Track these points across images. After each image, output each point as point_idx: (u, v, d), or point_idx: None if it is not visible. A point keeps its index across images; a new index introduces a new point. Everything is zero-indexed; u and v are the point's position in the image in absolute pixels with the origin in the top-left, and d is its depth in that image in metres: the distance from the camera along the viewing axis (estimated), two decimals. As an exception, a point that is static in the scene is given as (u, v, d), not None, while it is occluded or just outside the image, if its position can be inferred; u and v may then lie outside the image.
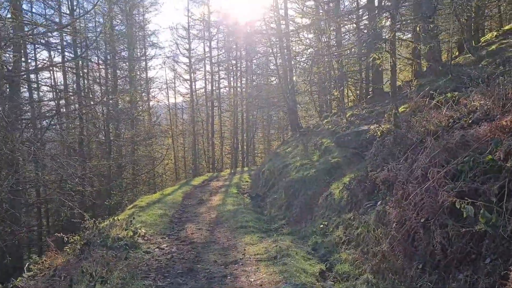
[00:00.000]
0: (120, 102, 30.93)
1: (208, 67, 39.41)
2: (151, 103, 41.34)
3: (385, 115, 10.63)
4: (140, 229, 9.26)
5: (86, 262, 6.08)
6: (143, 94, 37.88)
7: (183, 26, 38.03)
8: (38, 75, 23.17)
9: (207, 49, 38.60)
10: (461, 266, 4.31)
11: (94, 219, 9.69)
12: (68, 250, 8.52)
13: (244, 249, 7.30)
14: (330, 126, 16.12)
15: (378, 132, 10.23)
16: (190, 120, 40.72)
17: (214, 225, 10.13)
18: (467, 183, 4.59)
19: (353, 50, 22.71)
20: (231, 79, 42.03)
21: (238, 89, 41.32)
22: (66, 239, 8.70)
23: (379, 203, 6.54)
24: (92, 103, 19.81)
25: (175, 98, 44.03)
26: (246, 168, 35.52)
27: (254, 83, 38.41)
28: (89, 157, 27.54)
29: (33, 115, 21.33)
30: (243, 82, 42.18)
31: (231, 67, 40.61)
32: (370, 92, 22.42)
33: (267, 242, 7.59)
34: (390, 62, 9.28)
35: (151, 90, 41.61)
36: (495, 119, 5.42)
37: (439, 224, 4.66)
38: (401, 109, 10.36)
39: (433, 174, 5.05)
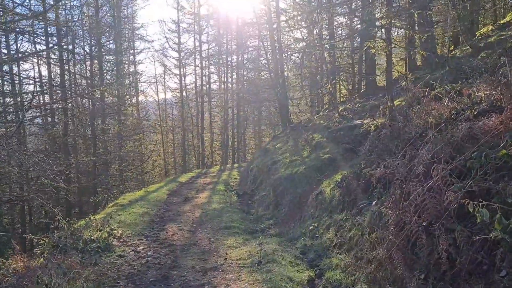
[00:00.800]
0: (107, 96, 30.15)
1: (198, 62, 38.59)
2: (139, 98, 40.54)
3: (380, 109, 10.06)
4: (116, 229, 8.58)
5: (46, 269, 5.39)
6: (131, 88, 37.07)
7: (173, 20, 37.27)
8: (20, 68, 22.24)
9: (197, 43, 37.77)
10: (471, 279, 3.71)
11: (68, 218, 8.98)
12: (37, 253, 7.84)
13: (226, 253, 6.65)
14: (322, 121, 15.53)
15: (372, 127, 9.67)
16: (180, 116, 39.93)
17: (197, 225, 9.47)
18: (477, 182, 3.98)
19: (345, 44, 22.17)
20: (222, 74, 41.29)
21: (229, 84, 40.59)
22: (36, 240, 8.02)
23: (374, 203, 5.93)
24: (74, 95, 18.85)
25: (164, 93, 43.21)
26: (236, 165, 34.86)
27: (245, 78, 37.63)
28: (75, 152, 26.80)
29: (16, 108, 20.53)
30: (233, 77, 41.49)
31: (221, 62, 39.84)
32: (363, 87, 21.90)
33: (252, 245, 6.95)
34: (386, 51, 8.67)
35: (139, 85, 40.82)
36: (505, 110, 4.82)
37: (444, 229, 4.06)
38: (396, 102, 9.78)
39: (437, 171, 4.45)
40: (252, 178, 15.11)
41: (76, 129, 27.33)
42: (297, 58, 28.27)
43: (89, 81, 26.46)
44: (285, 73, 24.60)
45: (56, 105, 18.88)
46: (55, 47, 20.36)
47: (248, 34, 33.41)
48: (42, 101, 21.51)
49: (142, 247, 7.61)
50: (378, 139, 7.37)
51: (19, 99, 21.32)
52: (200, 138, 38.82)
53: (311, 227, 7.21)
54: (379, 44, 8.91)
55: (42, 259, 7.00)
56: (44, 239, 7.95)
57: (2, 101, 17.39)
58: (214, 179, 21.35)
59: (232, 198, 13.40)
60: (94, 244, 7.44)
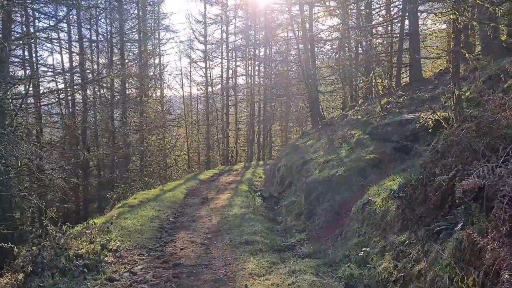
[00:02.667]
0: (128, 88, 28.97)
1: (224, 54, 37.05)
2: (164, 91, 39.38)
3: (442, 99, 8.15)
4: (114, 240, 7.04)
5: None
6: (155, 80, 35.88)
7: (199, 10, 35.72)
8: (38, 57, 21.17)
9: (224, 34, 36.23)
10: None
11: (61, 223, 7.50)
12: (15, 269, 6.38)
13: (246, 285, 4.95)
14: (359, 116, 13.64)
15: (430, 121, 7.79)
16: (205, 110, 38.50)
17: (212, 236, 7.83)
18: None
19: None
20: (249, 67, 39.64)
21: (256, 78, 38.90)
22: (16, 251, 6.56)
23: (459, 226, 4.11)
24: (85, 81, 17.53)
25: (190, 86, 41.91)
26: (261, 162, 33.20)
27: (274, 70, 35.79)
28: (96, 145, 25.73)
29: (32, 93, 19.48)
30: (261, 70, 39.77)
31: (248, 55, 38.18)
32: (402, 80, 19.80)
33: (280, 274, 5.23)
34: (455, 24, 6.76)
35: (163, 77, 39.64)
36: None
37: None
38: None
39: None
40: (279, 178, 13.39)
41: (95, 121, 26.31)
42: (329, 50, 26.35)
43: (105, 70, 25.28)
44: (317, 64, 22.71)
45: (70, 90, 17.49)
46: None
47: (277, 24, 31.61)
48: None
49: (140, 267, 6.01)
50: (453, 136, 5.49)
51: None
52: (225, 134, 37.35)
53: (361, 253, 5.42)
54: (445, 14, 7.00)
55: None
56: (24, 251, 6.50)
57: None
58: (237, 177, 19.73)
59: (256, 202, 11.72)
60: (81, 261, 5.89)
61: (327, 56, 26.43)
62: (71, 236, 7.09)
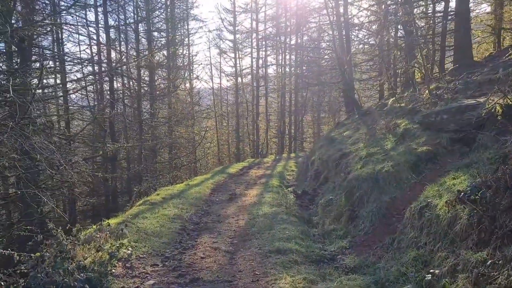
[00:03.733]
0: (156, 79, 28.35)
1: (254, 43, 35.92)
2: (193, 83, 38.71)
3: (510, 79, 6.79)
4: (126, 247, 6.13)
5: None
6: (184, 72, 35.19)
7: (228, -2, 34.54)
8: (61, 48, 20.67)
9: (253, 23, 35.08)
10: None
11: (70, 226, 6.69)
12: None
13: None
14: (403, 104, 12.27)
15: (498, 107, 6.50)
16: (234, 101, 37.56)
17: (239, 242, 6.81)
18: None
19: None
20: (279, 56, 38.36)
21: (287, 67, 37.54)
22: (18, 258, 5.76)
23: None
24: (106, 71, 16.83)
25: (220, 77, 41.13)
26: (293, 154, 32.03)
27: (306, 58, 34.35)
28: (125, 138, 25.27)
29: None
30: (292, 59, 38.39)
31: (279, 43, 36.88)
32: (444, 66, 18.11)
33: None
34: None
35: (193, 68, 38.95)
36: None
37: None
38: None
39: None
40: (314, 173, 12.23)
41: (124, 113, 25.83)
42: (365, 36, 24.76)
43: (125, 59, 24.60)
44: (352, 50, 21.23)
45: (97, 78, 16.86)
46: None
47: (309, 10, 30.18)
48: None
49: (152, 281, 5.06)
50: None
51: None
52: (255, 125, 36.34)
53: (428, 276, 4.23)
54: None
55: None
56: (27, 257, 5.68)
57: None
58: (267, 171, 18.69)
59: (288, 199, 10.64)
60: (83, 274, 5.00)
61: (363, 42, 24.86)
62: (80, 241, 6.25)
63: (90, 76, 16.10)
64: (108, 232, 6.59)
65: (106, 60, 21.17)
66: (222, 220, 8.64)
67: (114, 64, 18.71)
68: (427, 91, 11.53)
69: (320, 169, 11.76)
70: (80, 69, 19.81)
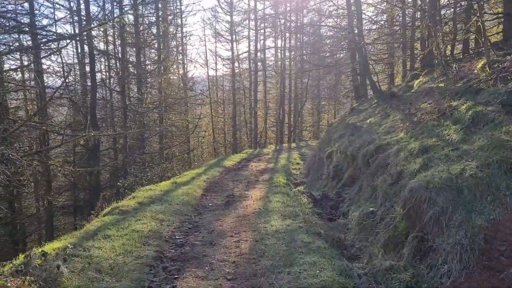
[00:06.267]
0: (143, 61, 25.59)
1: (252, 24, 33.04)
2: (186, 67, 35.93)
3: None
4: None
5: None
6: (177, 53, 32.36)
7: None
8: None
9: (252, 2, 32.13)
10: None
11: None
12: None
13: None
14: (442, 84, 9.74)
15: None
16: (231, 87, 34.81)
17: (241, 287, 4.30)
18: None
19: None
20: (279, 41, 35.53)
21: (287, 51, 34.68)
22: None
23: None
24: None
25: (215, 63, 38.21)
26: (294, 144, 29.53)
27: (306, 39, 31.61)
28: (112, 126, 22.55)
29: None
30: (292, 42, 35.59)
31: (279, 24, 34.02)
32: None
33: None
34: None
35: (186, 50, 36.16)
36: None
37: None
38: None
39: None
40: (333, 170, 9.68)
41: (107, 97, 23.10)
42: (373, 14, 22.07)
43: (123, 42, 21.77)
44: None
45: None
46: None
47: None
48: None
49: None
50: None
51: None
52: (253, 113, 33.68)
53: None
54: None
55: None
56: None
57: None
58: (269, 164, 16.17)
59: (303, 206, 8.12)
60: None
61: (373, 20, 22.12)
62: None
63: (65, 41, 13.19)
64: (31, 278, 4.05)
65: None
66: (216, 240, 6.10)
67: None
68: (479, 66, 8.99)
69: (342, 165, 9.21)
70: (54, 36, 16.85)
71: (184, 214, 7.74)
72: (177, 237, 6.34)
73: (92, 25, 15.68)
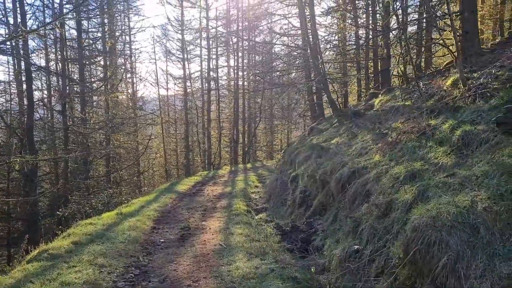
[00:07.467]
0: (88, 78, 23.91)
1: (204, 43, 32.20)
2: (136, 87, 34.32)
3: None
4: None
5: None
6: (126, 71, 30.79)
7: (175, -11, 30.57)
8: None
9: (203, 21, 31.33)
10: None
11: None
12: None
13: None
14: (408, 103, 9.21)
15: None
16: (183, 106, 33.52)
17: None
18: None
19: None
20: (231, 58, 34.90)
21: (239, 71, 34.00)
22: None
23: None
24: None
25: (166, 82, 36.80)
26: (249, 165, 28.61)
27: (259, 58, 31.15)
28: (53, 148, 20.52)
29: None
30: (245, 62, 35.06)
31: (231, 42, 33.43)
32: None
33: None
34: None
35: (135, 68, 34.62)
36: None
37: None
38: None
39: None
40: (300, 196, 8.76)
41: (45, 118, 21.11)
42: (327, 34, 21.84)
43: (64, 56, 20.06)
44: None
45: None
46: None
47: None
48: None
49: None
50: None
51: None
52: (206, 133, 32.53)
53: None
54: None
55: None
56: None
57: None
58: (226, 187, 15.08)
59: (270, 239, 7.10)
60: None
61: (326, 40, 21.84)
62: None
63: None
64: None
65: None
66: (170, 292, 4.93)
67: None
68: (449, 83, 8.53)
69: (310, 190, 8.32)
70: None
71: (130, 256, 6.47)
72: (120, 289, 5.10)
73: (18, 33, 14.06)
